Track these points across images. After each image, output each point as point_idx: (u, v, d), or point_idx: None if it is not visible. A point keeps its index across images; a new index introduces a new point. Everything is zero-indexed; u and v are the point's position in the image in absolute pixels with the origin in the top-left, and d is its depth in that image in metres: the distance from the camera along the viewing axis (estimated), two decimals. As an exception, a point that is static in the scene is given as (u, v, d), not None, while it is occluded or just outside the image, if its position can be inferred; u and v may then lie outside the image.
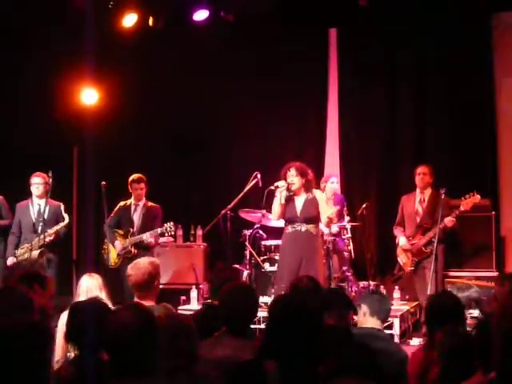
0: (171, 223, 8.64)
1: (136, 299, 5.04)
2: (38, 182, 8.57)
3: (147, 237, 8.64)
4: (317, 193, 7.91)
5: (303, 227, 7.72)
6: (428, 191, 8.73)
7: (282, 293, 7.24)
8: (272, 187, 7.82)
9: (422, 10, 9.86)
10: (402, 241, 8.75)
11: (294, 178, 7.75)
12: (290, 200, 7.83)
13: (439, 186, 8.45)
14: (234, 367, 3.29)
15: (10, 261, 8.46)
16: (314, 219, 7.79)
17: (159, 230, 8.62)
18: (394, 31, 10.34)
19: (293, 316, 3.56)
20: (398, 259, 8.89)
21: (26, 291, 4.13)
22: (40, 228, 8.30)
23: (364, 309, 4.92)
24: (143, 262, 5.19)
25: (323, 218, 7.79)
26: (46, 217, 8.43)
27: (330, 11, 10.01)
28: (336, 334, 4.01)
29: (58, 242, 8.54)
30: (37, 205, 8.59)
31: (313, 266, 7.62)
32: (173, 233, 8.80)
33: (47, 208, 8.49)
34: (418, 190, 8.79)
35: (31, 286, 4.52)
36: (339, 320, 4.73)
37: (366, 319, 4.90)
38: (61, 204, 8.66)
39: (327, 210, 7.88)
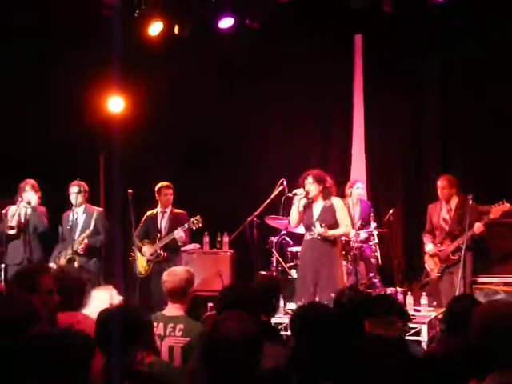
0: (198, 217, 8.71)
1: (169, 306, 5.07)
2: (74, 192, 8.66)
3: (178, 231, 8.71)
4: (335, 200, 7.91)
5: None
6: (454, 200, 8.65)
7: (301, 301, 7.34)
8: (290, 194, 7.88)
9: (446, 17, 9.82)
10: (429, 247, 8.72)
11: (310, 185, 7.80)
12: (307, 207, 7.88)
13: (466, 192, 8.40)
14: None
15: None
16: (331, 226, 7.78)
17: (186, 225, 8.72)
18: (419, 37, 10.30)
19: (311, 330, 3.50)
20: (426, 265, 8.85)
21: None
22: (74, 236, 8.43)
23: None
24: (179, 269, 5.26)
25: (342, 228, 7.79)
26: (81, 224, 8.54)
27: (355, 18, 9.99)
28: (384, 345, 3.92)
29: (93, 250, 8.62)
30: (75, 213, 8.67)
31: (331, 272, 7.63)
32: (200, 225, 8.81)
33: (84, 216, 8.62)
34: (443, 201, 8.72)
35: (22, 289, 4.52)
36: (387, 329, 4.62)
37: None
38: (95, 211, 8.77)
39: (345, 219, 7.88)
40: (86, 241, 8.57)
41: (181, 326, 4.87)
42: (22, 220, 8.65)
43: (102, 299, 5.63)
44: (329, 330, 3.53)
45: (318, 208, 7.84)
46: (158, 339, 4.81)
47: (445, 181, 8.65)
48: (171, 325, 4.87)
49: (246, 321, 3.17)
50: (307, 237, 7.88)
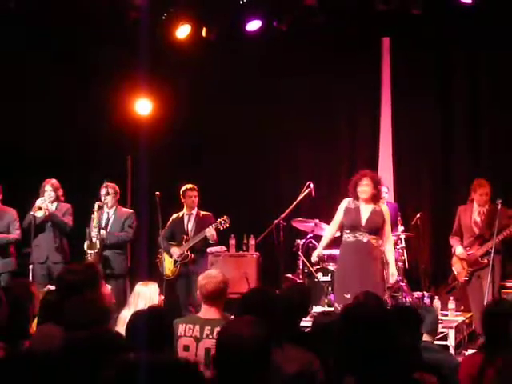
0: (225, 217, 8.75)
1: (205, 308, 5.02)
2: (102, 194, 8.70)
3: (210, 229, 8.72)
4: (384, 207, 7.80)
5: (365, 237, 7.56)
6: (487, 205, 8.51)
7: (349, 302, 7.26)
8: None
9: (473, 17, 9.76)
10: (458, 250, 8.52)
11: (366, 187, 7.58)
12: (354, 208, 7.71)
13: (495, 193, 8.33)
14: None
15: None
16: (378, 231, 7.64)
17: (214, 225, 8.73)
18: (447, 39, 10.26)
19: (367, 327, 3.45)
20: (453, 268, 8.72)
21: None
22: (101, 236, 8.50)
23: None
24: (215, 272, 5.19)
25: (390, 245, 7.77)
26: (112, 225, 8.60)
27: (383, 20, 9.96)
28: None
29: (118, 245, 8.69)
30: (106, 213, 8.74)
31: (373, 277, 7.51)
32: (227, 225, 8.82)
33: (114, 217, 8.68)
34: (475, 204, 8.59)
35: None
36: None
37: None
38: (126, 213, 8.84)
39: (389, 231, 7.84)
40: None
41: (218, 328, 4.87)
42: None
43: (146, 296, 5.68)
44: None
45: (367, 210, 7.64)
46: (193, 341, 4.81)
47: (487, 187, 8.42)
48: (208, 327, 4.84)
49: (254, 324, 3.15)
50: (349, 238, 7.65)
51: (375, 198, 7.68)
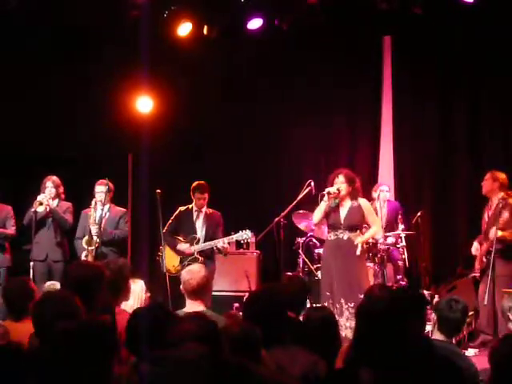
0: (248, 231, 8.61)
1: (190, 303, 5.15)
2: (102, 190, 8.67)
3: (224, 242, 8.56)
4: (362, 201, 7.86)
5: (345, 235, 7.68)
6: (495, 198, 8.42)
7: (326, 302, 7.32)
8: (325, 192, 7.79)
9: (476, 18, 9.76)
10: (473, 246, 8.42)
11: (341, 184, 7.72)
12: (334, 206, 7.80)
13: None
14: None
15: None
16: (357, 227, 7.77)
17: (234, 237, 8.60)
18: (449, 38, 10.27)
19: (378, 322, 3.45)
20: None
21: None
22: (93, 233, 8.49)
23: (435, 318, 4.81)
24: (198, 266, 5.38)
25: (375, 227, 7.80)
26: (106, 223, 8.59)
27: (384, 19, 9.96)
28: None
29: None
30: (100, 210, 8.68)
31: (355, 274, 7.60)
32: (249, 241, 8.80)
33: (108, 214, 8.66)
34: (489, 200, 8.40)
35: None
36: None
37: (435, 330, 4.78)
38: (119, 212, 8.85)
39: (376, 218, 7.93)
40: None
41: None
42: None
43: (135, 294, 5.70)
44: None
45: (345, 208, 7.77)
46: None
47: (488, 173, 8.42)
48: None
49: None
50: (331, 237, 7.79)
51: (352, 194, 7.77)
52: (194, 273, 5.17)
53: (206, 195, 8.69)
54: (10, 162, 9.73)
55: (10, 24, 9.30)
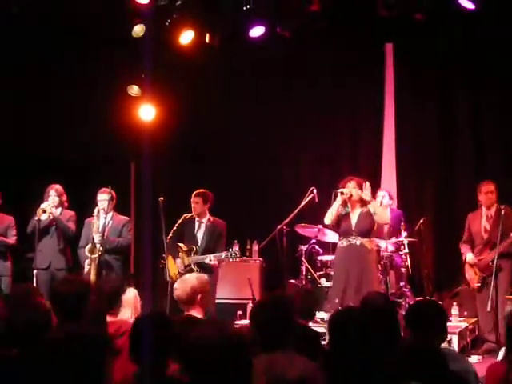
0: (236, 249, 8.72)
1: (186, 312, 5.21)
2: (105, 198, 8.67)
3: (210, 259, 8.50)
4: (370, 206, 7.96)
5: (358, 241, 7.84)
6: (494, 207, 8.51)
7: (339, 308, 7.29)
8: (338, 191, 7.87)
9: (476, 22, 9.76)
10: (468, 256, 8.54)
11: (353, 189, 7.88)
12: (344, 214, 7.92)
13: (499, 199, 8.35)
14: None
15: None
16: (369, 233, 7.93)
17: (223, 255, 8.53)
18: (451, 45, 10.27)
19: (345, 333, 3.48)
20: (466, 275, 8.69)
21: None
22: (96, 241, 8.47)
23: None
24: (190, 276, 5.43)
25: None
26: (107, 231, 8.58)
27: (386, 26, 9.97)
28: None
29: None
30: (103, 219, 8.67)
31: (367, 280, 7.65)
32: (237, 259, 8.78)
33: (111, 223, 8.66)
34: (484, 208, 8.58)
35: None
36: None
37: None
38: (122, 220, 8.84)
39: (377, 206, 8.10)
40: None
41: None
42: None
43: (130, 302, 5.69)
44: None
45: (355, 214, 7.96)
46: None
47: (492, 186, 8.48)
48: None
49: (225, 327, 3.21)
50: (343, 243, 7.93)
51: (362, 201, 7.92)
52: (181, 283, 5.30)
53: (198, 199, 8.70)
54: (9, 164, 9.74)
55: (9, 24, 9.28)
